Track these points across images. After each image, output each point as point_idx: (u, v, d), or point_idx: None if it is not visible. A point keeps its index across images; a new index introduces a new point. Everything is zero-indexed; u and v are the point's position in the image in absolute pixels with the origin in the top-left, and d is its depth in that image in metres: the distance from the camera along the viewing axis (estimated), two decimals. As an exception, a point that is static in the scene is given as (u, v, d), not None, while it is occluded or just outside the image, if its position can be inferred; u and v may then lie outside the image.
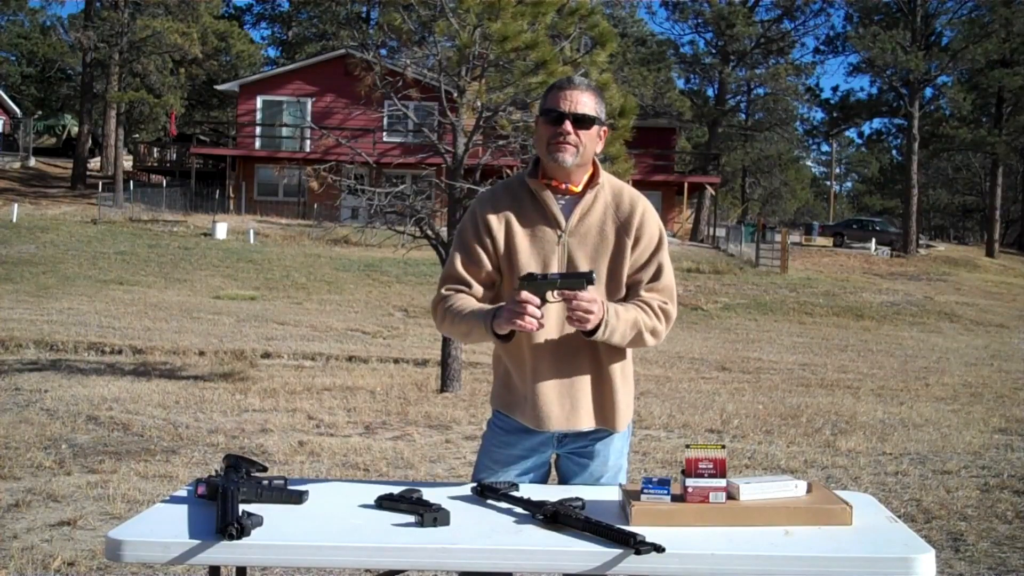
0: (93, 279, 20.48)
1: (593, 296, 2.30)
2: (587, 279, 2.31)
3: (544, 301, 2.30)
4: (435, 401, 8.92)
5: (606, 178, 2.51)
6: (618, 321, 2.36)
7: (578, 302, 2.28)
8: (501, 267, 2.49)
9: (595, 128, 2.45)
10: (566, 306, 2.31)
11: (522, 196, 2.51)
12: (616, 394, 2.49)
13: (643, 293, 2.47)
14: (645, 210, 2.50)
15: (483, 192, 2.64)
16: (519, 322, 2.26)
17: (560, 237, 2.46)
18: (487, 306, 2.43)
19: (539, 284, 2.31)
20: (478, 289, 2.49)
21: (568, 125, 2.40)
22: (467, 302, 2.45)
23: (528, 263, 2.44)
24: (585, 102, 2.43)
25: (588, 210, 2.47)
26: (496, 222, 2.48)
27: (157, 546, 1.98)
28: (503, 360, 2.54)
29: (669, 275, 2.51)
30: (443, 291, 2.50)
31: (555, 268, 2.44)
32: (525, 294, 2.27)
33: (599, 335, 2.34)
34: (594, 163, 2.50)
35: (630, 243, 2.46)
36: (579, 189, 2.48)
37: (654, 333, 2.45)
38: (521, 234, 2.47)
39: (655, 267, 2.49)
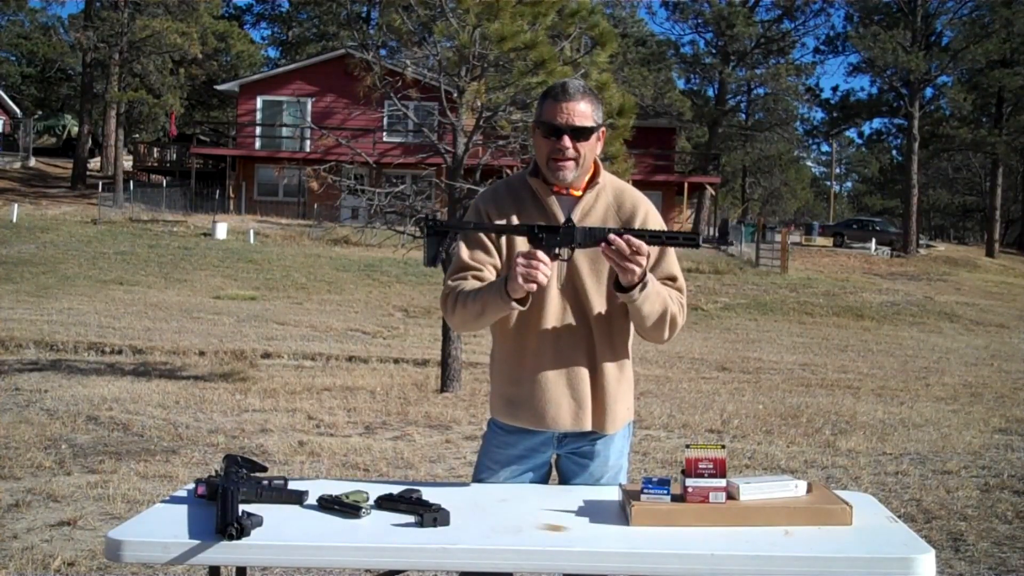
0: (93, 279, 20.47)
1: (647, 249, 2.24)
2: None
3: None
4: (435, 401, 8.91)
5: (607, 178, 2.50)
6: (654, 286, 2.32)
7: (639, 246, 2.21)
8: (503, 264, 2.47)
9: (594, 137, 2.41)
10: (616, 251, 2.21)
11: (523, 195, 2.49)
12: (609, 396, 2.46)
13: None
14: (648, 211, 2.48)
15: (485, 190, 2.62)
16: (530, 285, 2.20)
17: None
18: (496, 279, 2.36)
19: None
20: (488, 275, 2.43)
21: (566, 140, 2.36)
22: (474, 283, 2.40)
23: None
24: (582, 111, 2.37)
25: (589, 210, 2.46)
26: (499, 218, 2.46)
27: (157, 546, 1.99)
28: (501, 363, 2.53)
29: (680, 276, 2.50)
30: (450, 282, 2.44)
31: (555, 268, 2.41)
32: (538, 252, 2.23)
33: (636, 292, 2.27)
34: (595, 162, 2.48)
35: None
36: (580, 193, 2.46)
37: (673, 321, 2.41)
38: None
39: (665, 267, 2.47)
